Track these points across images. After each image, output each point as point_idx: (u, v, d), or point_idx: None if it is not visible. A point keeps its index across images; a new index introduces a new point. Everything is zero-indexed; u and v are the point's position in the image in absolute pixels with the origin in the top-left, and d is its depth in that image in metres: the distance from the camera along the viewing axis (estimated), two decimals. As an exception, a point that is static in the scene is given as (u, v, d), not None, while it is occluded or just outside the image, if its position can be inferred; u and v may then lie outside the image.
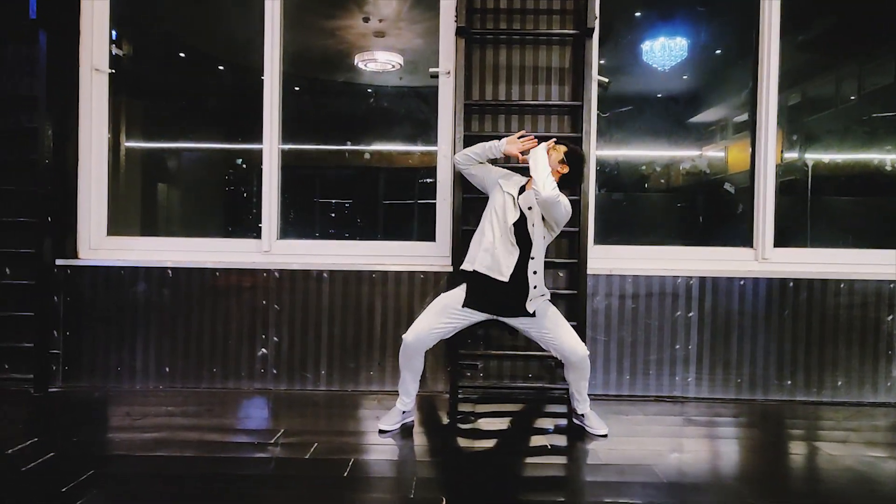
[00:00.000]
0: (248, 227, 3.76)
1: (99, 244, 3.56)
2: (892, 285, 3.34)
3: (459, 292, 2.75)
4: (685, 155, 4.08)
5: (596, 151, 3.50)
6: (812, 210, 3.75)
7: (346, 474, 2.29)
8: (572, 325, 3.19)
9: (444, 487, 2.20)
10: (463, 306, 2.71)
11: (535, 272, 2.66)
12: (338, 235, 4.22)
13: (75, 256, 3.50)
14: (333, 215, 4.44)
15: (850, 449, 2.67)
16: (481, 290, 2.69)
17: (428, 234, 3.57)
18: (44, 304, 3.33)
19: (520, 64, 3.36)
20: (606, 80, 3.50)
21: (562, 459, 2.53)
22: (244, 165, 4.16)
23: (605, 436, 2.76)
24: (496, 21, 3.36)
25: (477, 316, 2.74)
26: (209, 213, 4.34)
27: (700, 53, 4.13)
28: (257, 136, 3.58)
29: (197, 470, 2.30)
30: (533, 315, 2.70)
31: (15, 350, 3.36)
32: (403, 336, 2.74)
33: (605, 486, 2.24)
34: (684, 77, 4.24)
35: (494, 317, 2.77)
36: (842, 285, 3.34)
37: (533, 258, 2.65)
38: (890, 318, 3.35)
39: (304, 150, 4.28)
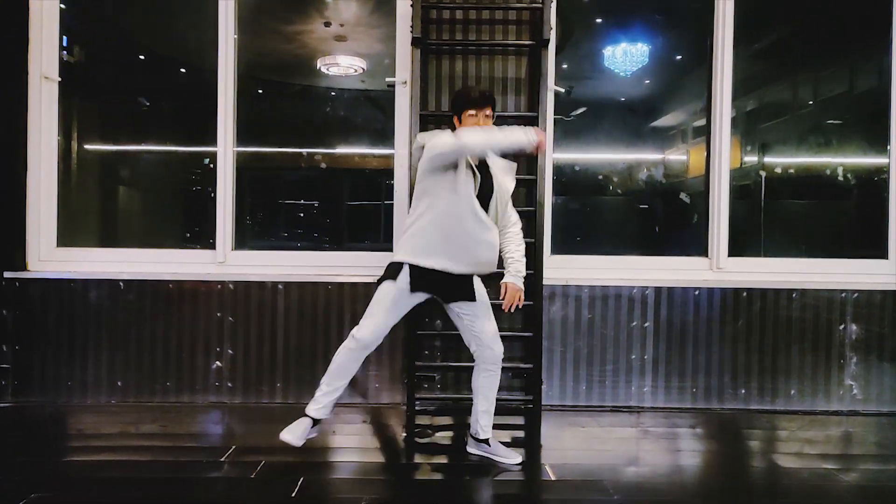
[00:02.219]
0: (204, 235, 3.70)
1: (49, 256, 3.48)
2: (843, 294, 3.39)
3: (404, 278, 2.49)
4: (646, 159, 4.10)
5: (553, 156, 3.51)
6: (766, 218, 3.78)
7: (294, 495, 2.26)
8: (528, 335, 3.22)
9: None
10: (412, 291, 2.51)
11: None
12: (298, 240, 4.17)
13: (24, 269, 3.42)
14: (301, 216, 4.40)
15: (805, 461, 2.70)
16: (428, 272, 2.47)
17: (388, 237, 3.56)
18: (-9, 317, 3.26)
19: (476, 74, 3.34)
20: (563, 89, 3.51)
21: (518, 476, 2.52)
22: (211, 165, 4.12)
23: (520, 464, 2.57)
24: (452, 31, 3.34)
25: (421, 298, 2.57)
26: (163, 220, 4.26)
27: (661, 59, 4.16)
28: (212, 139, 3.54)
29: (146, 492, 2.26)
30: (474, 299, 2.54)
31: (-39, 365, 3.29)
32: (356, 335, 2.49)
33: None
34: (646, 82, 4.26)
35: (435, 297, 2.59)
36: (794, 294, 3.38)
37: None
38: (842, 326, 3.40)
39: (264, 152, 4.24)
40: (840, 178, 3.76)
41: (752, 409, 3.40)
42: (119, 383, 3.36)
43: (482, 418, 2.65)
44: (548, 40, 3.16)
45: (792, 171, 3.87)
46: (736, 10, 3.52)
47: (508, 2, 3.30)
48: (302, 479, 2.40)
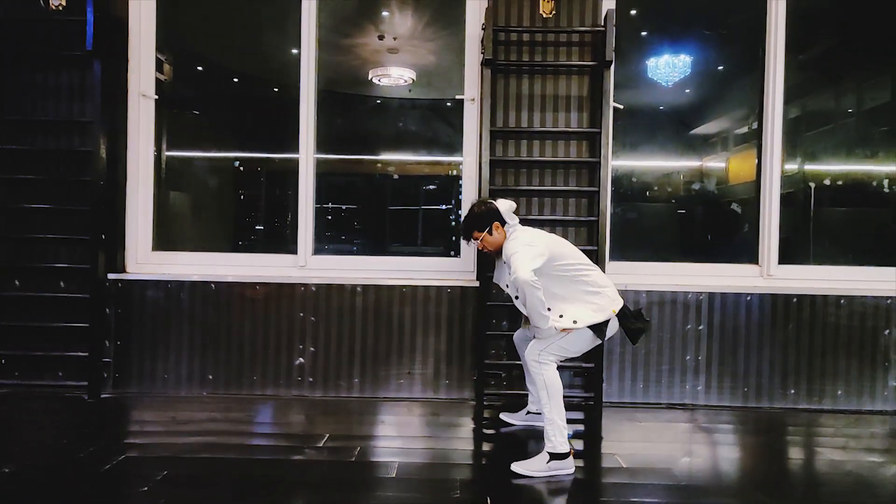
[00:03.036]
0: (284, 239, 3.98)
1: (145, 259, 3.80)
2: (888, 301, 3.57)
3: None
4: (691, 165, 4.31)
5: (611, 164, 3.73)
6: (815, 226, 3.97)
7: (393, 475, 2.52)
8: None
9: (487, 488, 2.44)
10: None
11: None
12: (368, 246, 4.45)
13: (124, 270, 3.74)
14: (372, 222, 4.67)
15: (850, 454, 2.90)
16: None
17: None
18: (97, 315, 3.57)
19: (541, 93, 3.59)
20: (621, 106, 3.73)
21: (580, 462, 2.75)
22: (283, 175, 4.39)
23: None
24: (519, 53, 3.59)
25: None
26: (247, 226, 4.57)
27: (704, 69, 4.35)
28: (291, 147, 3.82)
29: (246, 471, 2.55)
30: None
31: (70, 359, 3.60)
32: None
33: (622, 487, 2.48)
34: (686, 91, 4.46)
35: None
36: (842, 301, 3.57)
37: None
38: (887, 332, 3.57)
39: (336, 160, 4.51)
40: (886, 187, 3.93)
41: (799, 408, 3.60)
42: (210, 377, 3.66)
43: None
44: (610, 61, 3.40)
45: (840, 181, 4.04)
46: (787, 19, 3.70)
47: (572, 25, 3.54)
48: (397, 463, 2.66)
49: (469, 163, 3.74)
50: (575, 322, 2.61)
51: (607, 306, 2.67)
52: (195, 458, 2.69)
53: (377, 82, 5.20)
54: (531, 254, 2.59)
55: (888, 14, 3.95)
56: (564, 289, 2.68)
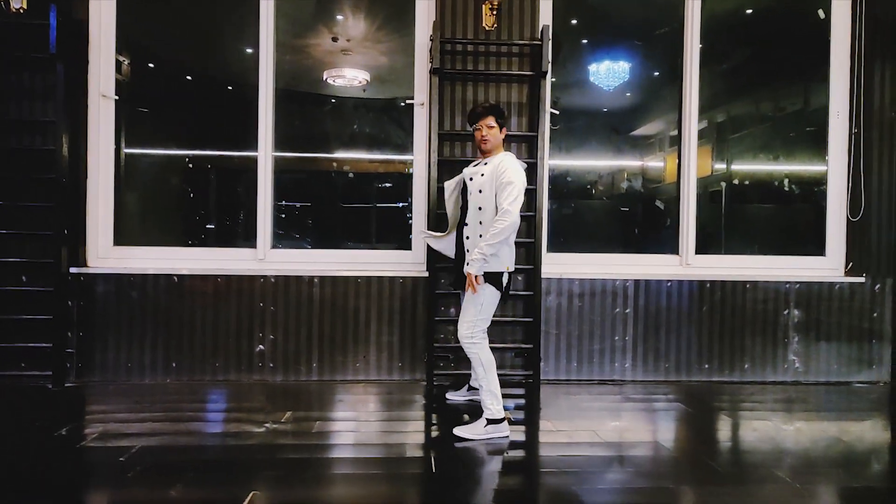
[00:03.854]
0: (242, 234, 4.18)
1: (107, 253, 3.95)
2: (787, 286, 4.08)
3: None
4: (628, 165, 4.72)
5: (547, 165, 4.11)
6: (727, 221, 4.46)
7: (351, 443, 2.81)
8: (529, 321, 3.81)
9: (432, 448, 2.76)
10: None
11: (467, 237, 3.00)
12: (324, 241, 4.68)
13: (85, 265, 3.88)
14: (311, 222, 4.88)
15: (758, 417, 3.36)
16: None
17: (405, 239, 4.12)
18: (60, 308, 3.71)
19: (484, 98, 3.93)
20: (556, 111, 4.11)
21: (521, 428, 3.11)
22: (242, 171, 4.57)
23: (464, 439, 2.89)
24: (464, 62, 3.92)
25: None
26: (207, 221, 4.72)
27: (640, 75, 4.77)
28: (250, 145, 4.04)
29: (210, 451, 2.79)
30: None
31: (34, 350, 3.72)
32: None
33: (556, 445, 2.84)
34: (627, 95, 4.86)
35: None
36: (748, 286, 4.06)
37: (467, 224, 3.01)
38: (786, 312, 4.08)
39: (295, 157, 4.72)
40: (786, 186, 4.46)
41: (713, 380, 4.07)
42: (173, 364, 3.85)
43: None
44: (546, 72, 3.77)
45: (747, 181, 4.55)
46: (702, 32, 4.16)
47: (512, 38, 3.89)
48: (354, 433, 2.95)
49: (419, 162, 4.05)
50: (508, 268, 2.94)
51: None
52: (158, 438, 2.90)
53: (332, 83, 5.43)
54: (523, 185, 2.87)
55: (796, 28, 4.46)
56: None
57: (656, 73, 4.93)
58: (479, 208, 2.96)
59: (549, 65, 3.79)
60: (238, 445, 2.79)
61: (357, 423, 3.14)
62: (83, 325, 3.81)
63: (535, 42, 3.83)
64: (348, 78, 5.50)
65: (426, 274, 3.88)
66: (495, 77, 3.92)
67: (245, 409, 3.37)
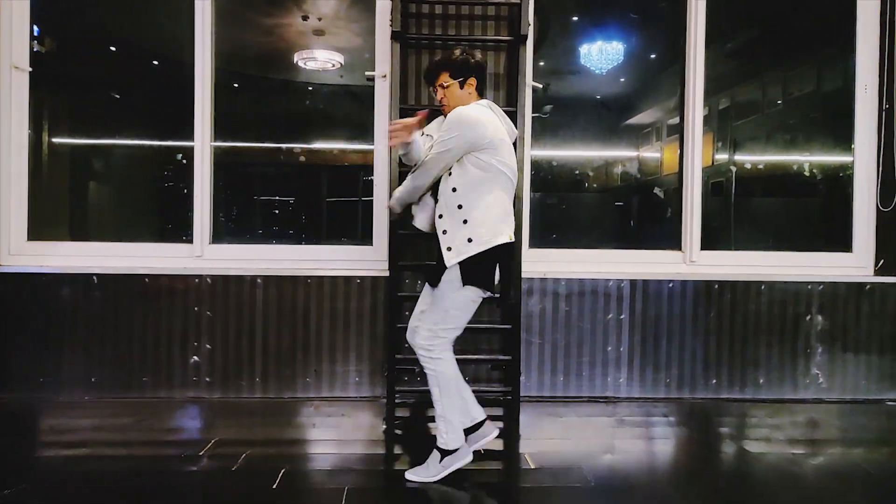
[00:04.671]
0: (181, 228, 3.66)
1: (19, 249, 3.41)
2: (810, 286, 3.51)
3: None
4: (622, 156, 4.18)
5: (531, 153, 3.55)
6: (736, 212, 3.90)
7: (274, 486, 2.27)
8: (507, 328, 3.26)
9: (379, 496, 2.21)
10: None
11: (444, 231, 2.30)
12: (277, 235, 4.16)
13: (-6, 262, 3.35)
14: (276, 212, 4.38)
15: (773, 446, 2.80)
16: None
17: (368, 234, 3.57)
18: (-41, 313, 3.18)
19: (455, 69, 3.36)
20: (541, 84, 3.56)
21: (496, 465, 2.56)
22: (183, 161, 4.06)
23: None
24: (432, 26, 3.36)
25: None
26: (139, 214, 4.21)
27: (635, 58, 4.23)
28: (189, 133, 3.50)
29: (123, 487, 2.24)
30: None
31: (-72, 362, 3.20)
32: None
33: (537, 491, 2.29)
34: (621, 80, 4.33)
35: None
36: (762, 287, 3.49)
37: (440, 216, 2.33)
38: (808, 317, 3.52)
39: (241, 147, 4.21)
40: (806, 173, 3.89)
41: (721, 398, 3.51)
42: (93, 379, 3.31)
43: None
44: (525, 36, 3.20)
45: (761, 167, 3.99)
46: (708, 10, 3.60)
47: (487, -2, 3.33)
48: (283, 470, 2.40)
49: (381, 145, 3.49)
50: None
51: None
52: (46, 472, 2.36)
53: (303, 66, 4.90)
54: (460, 135, 2.21)
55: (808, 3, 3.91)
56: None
57: (652, 56, 4.39)
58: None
59: (531, 28, 3.23)
60: (142, 484, 2.25)
61: (292, 456, 2.60)
62: (-11, 333, 3.28)
63: (513, 2, 3.27)
64: (321, 60, 4.98)
65: (387, 273, 3.32)
66: (468, 43, 3.35)
67: (166, 433, 2.83)
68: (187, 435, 2.86)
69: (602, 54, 4.42)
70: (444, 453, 2.34)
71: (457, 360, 2.44)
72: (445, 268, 2.27)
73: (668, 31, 3.85)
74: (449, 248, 2.26)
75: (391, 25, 3.17)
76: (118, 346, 3.32)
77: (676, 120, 4.07)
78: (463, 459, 2.36)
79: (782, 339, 3.51)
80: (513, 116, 3.28)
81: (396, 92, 3.19)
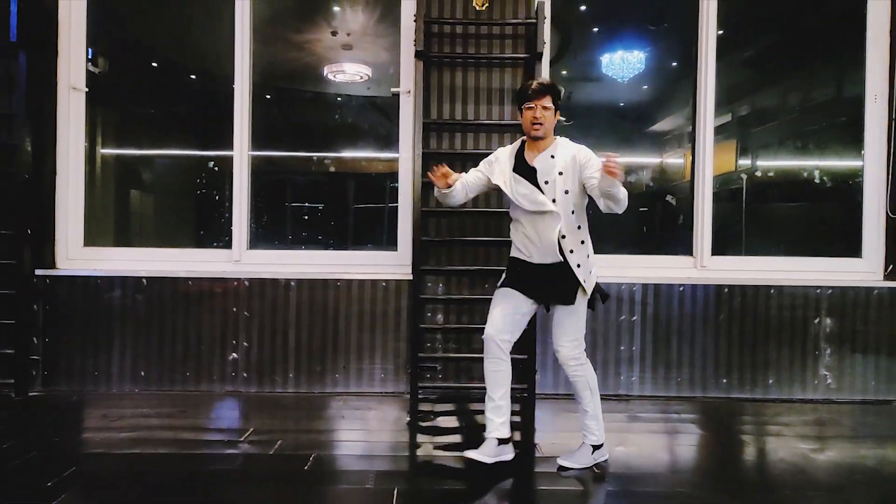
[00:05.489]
0: (220, 232, 3.93)
1: (76, 255, 3.73)
2: (818, 291, 3.62)
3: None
4: (646, 162, 4.33)
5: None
6: (748, 219, 4.03)
7: (306, 468, 2.50)
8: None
9: (404, 477, 2.43)
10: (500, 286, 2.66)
11: (571, 251, 2.51)
12: (308, 241, 4.41)
13: (53, 267, 3.67)
14: (306, 218, 4.64)
15: (784, 442, 2.94)
16: (518, 271, 2.63)
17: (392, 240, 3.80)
18: (24, 312, 3.49)
19: (475, 85, 3.59)
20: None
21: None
22: (215, 168, 4.34)
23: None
24: (453, 45, 3.58)
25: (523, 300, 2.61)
26: (182, 220, 4.51)
27: (657, 66, 4.38)
28: (227, 143, 3.78)
29: (171, 467, 2.50)
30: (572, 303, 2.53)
31: (-5, 356, 3.52)
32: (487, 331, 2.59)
33: (550, 476, 2.48)
34: (644, 87, 4.48)
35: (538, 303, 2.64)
36: (772, 291, 3.61)
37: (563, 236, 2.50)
38: (817, 321, 3.63)
39: (275, 157, 4.48)
40: (817, 180, 4.00)
41: (732, 397, 3.63)
42: (142, 373, 3.60)
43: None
44: (541, 53, 3.40)
45: (772, 173, 4.11)
46: (720, 19, 3.75)
47: (505, 18, 3.54)
48: (314, 455, 2.63)
49: (405, 156, 3.73)
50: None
51: None
52: (107, 454, 2.64)
53: (332, 79, 5.16)
54: None
55: (828, 4, 4.02)
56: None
57: (674, 64, 4.53)
58: (566, 192, 2.49)
59: (546, 45, 3.43)
60: (190, 469, 2.50)
61: (324, 443, 2.83)
62: (49, 331, 3.59)
63: (529, 21, 3.47)
64: (349, 73, 5.24)
65: (411, 276, 3.54)
66: (487, 60, 3.57)
67: (211, 423, 3.10)
68: (227, 424, 3.12)
69: (623, 63, 4.59)
70: (596, 448, 2.59)
71: (480, 359, 2.69)
72: (577, 285, 2.53)
73: (686, 40, 3.99)
74: (579, 266, 2.52)
75: (415, 45, 3.40)
76: (163, 343, 3.61)
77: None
78: (604, 456, 2.62)
79: (792, 342, 3.63)
80: (529, 129, 3.48)
81: (420, 107, 3.42)
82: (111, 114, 4.11)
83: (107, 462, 2.55)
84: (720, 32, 3.77)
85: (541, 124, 2.50)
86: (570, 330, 2.58)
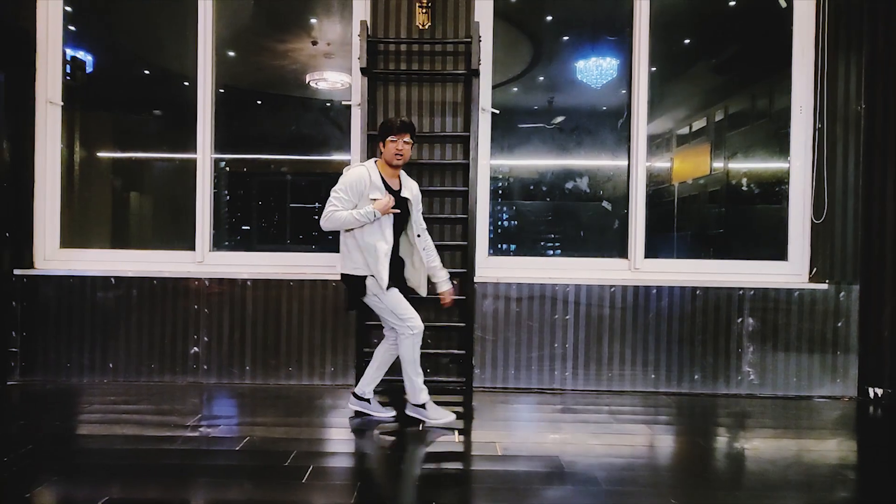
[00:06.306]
0: (187, 236, 4.20)
1: (52, 255, 4.04)
2: (741, 292, 3.84)
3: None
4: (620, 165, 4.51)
5: (482, 166, 3.99)
6: (680, 223, 4.24)
7: (238, 448, 2.77)
8: (462, 325, 3.71)
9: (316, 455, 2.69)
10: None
11: (424, 248, 3.23)
12: (270, 243, 4.66)
13: (32, 266, 3.97)
14: (264, 223, 4.86)
15: (707, 433, 3.17)
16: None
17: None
18: (3, 308, 3.80)
19: (419, 99, 3.85)
20: (496, 111, 3.99)
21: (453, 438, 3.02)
22: (227, 168, 4.56)
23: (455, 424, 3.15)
24: (398, 61, 3.85)
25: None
26: (150, 224, 4.78)
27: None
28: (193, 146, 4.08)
29: (135, 447, 2.79)
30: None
31: (-24, 348, 3.84)
32: (417, 325, 3.08)
33: (491, 458, 2.75)
34: (622, 91, 4.63)
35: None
36: (698, 292, 3.84)
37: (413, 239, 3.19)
38: (739, 320, 3.85)
39: (241, 159, 4.72)
40: (744, 186, 4.22)
41: (660, 391, 3.86)
42: (110, 365, 3.90)
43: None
44: (477, 70, 3.66)
45: (702, 180, 4.32)
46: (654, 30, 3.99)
47: (446, 37, 3.80)
48: (247, 439, 2.90)
49: (356, 162, 3.98)
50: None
51: None
52: (85, 435, 2.93)
53: (315, 86, 5.42)
54: None
55: (756, 19, 4.21)
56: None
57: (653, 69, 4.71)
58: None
59: (480, 63, 3.68)
60: (147, 451, 2.79)
61: (256, 426, 3.11)
62: (26, 325, 3.90)
63: (466, 40, 3.73)
64: (331, 81, 5.51)
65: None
66: (429, 76, 3.83)
67: (168, 412, 3.38)
68: (188, 410, 3.40)
69: (596, 69, 4.77)
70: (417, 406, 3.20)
71: (421, 353, 3.19)
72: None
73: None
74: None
75: (359, 61, 3.67)
76: (131, 338, 3.90)
77: (685, 130, 4.44)
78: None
79: (716, 340, 3.85)
80: (467, 140, 3.74)
81: (366, 119, 3.69)
82: (85, 121, 4.38)
83: (71, 442, 2.84)
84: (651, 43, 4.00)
85: (401, 156, 3.05)
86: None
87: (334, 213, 2.99)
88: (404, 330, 3.09)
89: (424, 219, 3.38)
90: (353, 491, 2.37)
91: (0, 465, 2.55)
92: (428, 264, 3.22)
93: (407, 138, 3.04)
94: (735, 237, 4.22)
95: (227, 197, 4.36)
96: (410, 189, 3.18)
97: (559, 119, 4.29)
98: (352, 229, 3.03)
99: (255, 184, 4.95)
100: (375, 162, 3.12)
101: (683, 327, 3.85)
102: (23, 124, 3.93)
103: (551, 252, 4.27)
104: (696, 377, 3.86)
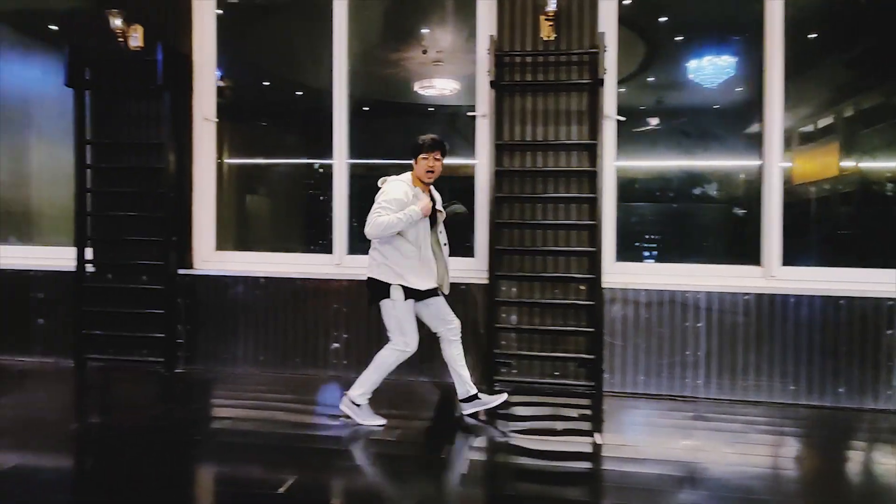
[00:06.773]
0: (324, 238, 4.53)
1: (209, 257, 4.49)
2: (890, 302, 3.61)
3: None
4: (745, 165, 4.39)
5: (608, 173, 3.99)
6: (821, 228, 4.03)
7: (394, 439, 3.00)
8: (591, 331, 3.77)
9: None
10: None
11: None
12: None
13: (192, 267, 4.44)
14: None
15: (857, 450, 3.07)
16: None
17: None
18: (170, 304, 4.29)
19: (543, 108, 3.91)
20: (622, 118, 3.98)
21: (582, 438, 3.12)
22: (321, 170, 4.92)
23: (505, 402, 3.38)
24: (523, 73, 3.93)
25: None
26: (293, 228, 5.19)
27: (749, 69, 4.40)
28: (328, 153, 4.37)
29: (282, 434, 3.11)
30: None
31: (151, 339, 4.34)
32: (410, 345, 3.29)
33: (620, 460, 2.83)
34: (738, 90, 4.49)
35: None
36: (841, 302, 3.65)
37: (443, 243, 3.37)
38: (889, 332, 3.62)
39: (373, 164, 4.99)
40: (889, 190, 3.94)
41: (800, 404, 3.70)
42: (261, 357, 4.30)
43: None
44: (602, 79, 3.67)
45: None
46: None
47: (571, 48, 3.84)
48: (399, 431, 3.13)
49: (480, 173, 4.13)
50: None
51: None
52: (242, 418, 3.30)
53: (422, 93, 5.64)
54: None
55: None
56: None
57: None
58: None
59: (609, 71, 3.69)
60: (297, 440, 3.10)
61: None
62: (189, 320, 4.37)
63: (592, 50, 3.75)
64: (438, 88, 5.70)
65: (487, 281, 3.95)
66: (554, 87, 3.88)
67: (313, 402, 3.70)
68: (332, 400, 3.69)
69: (712, 68, 4.64)
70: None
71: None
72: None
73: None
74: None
75: (488, 75, 3.79)
76: (278, 333, 4.27)
77: (810, 128, 4.27)
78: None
79: (863, 352, 3.64)
80: (594, 148, 3.77)
81: (493, 130, 3.82)
82: (235, 136, 4.83)
83: (229, 427, 3.20)
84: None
85: (432, 172, 3.17)
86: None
87: (377, 218, 3.07)
88: (399, 344, 3.26)
89: (551, 225, 3.44)
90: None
91: (195, 442, 2.93)
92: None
93: (437, 155, 3.18)
94: (876, 242, 3.95)
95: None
96: (439, 201, 3.37)
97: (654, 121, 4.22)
98: (391, 235, 3.13)
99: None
100: (409, 176, 3.26)
101: (826, 338, 3.68)
102: (183, 140, 4.38)
103: (677, 258, 4.20)
104: (840, 390, 3.68)
